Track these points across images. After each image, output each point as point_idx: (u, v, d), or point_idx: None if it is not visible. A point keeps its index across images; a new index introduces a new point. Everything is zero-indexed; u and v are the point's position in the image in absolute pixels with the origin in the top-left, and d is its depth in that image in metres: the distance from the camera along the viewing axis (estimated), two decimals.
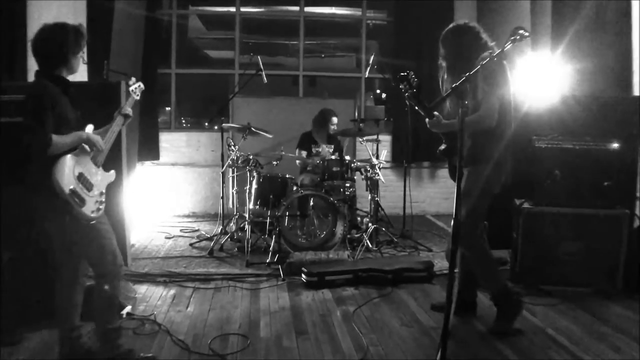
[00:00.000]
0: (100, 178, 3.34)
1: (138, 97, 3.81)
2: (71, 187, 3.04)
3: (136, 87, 3.81)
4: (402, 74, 3.06)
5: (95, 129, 3.36)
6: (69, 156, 3.09)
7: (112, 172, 3.49)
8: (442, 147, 4.10)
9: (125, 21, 7.50)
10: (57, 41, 3.22)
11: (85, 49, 3.40)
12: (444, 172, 9.28)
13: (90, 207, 3.16)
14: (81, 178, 3.15)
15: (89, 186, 3.19)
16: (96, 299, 3.42)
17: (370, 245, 6.28)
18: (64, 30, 3.27)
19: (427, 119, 3.90)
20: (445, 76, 4.10)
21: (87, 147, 3.22)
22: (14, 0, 5.44)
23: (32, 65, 3.45)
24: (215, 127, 8.97)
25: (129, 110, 3.60)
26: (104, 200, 3.32)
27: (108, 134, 3.41)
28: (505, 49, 3.02)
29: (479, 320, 4.34)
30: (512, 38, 3.12)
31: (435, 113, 3.82)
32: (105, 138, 3.37)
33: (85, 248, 3.32)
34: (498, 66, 3.72)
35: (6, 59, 5.27)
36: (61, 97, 3.18)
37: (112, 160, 4.26)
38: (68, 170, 3.05)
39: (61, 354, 3.41)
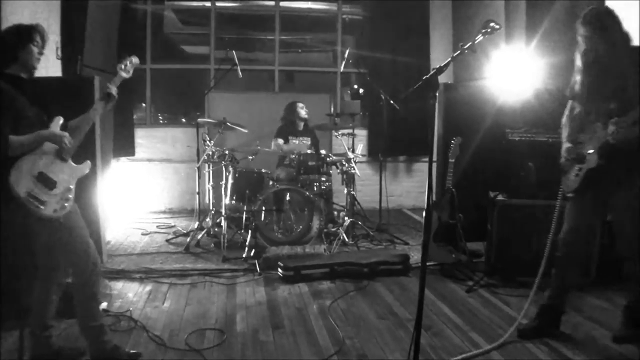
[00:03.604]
0: (69, 172, 3.23)
1: (129, 75, 3.57)
2: (27, 190, 2.99)
3: (127, 62, 3.56)
4: None
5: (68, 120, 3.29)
6: (26, 157, 3.03)
7: (86, 163, 3.36)
8: (592, 166, 3.63)
9: (99, 16, 7.41)
10: (2, 38, 3.17)
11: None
12: (419, 166, 9.35)
13: (52, 207, 3.08)
14: (41, 177, 3.07)
15: (50, 185, 3.09)
16: (76, 297, 3.39)
17: (346, 239, 6.30)
18: (12, 28, 3.21)
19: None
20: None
21: (52, 144, 3.15)
22: None
23: None
24: (192, 123, 8.92)
25: (113, 89, 3.42)
26: (70, 196, 3.21)
27: (80, 120, 3.34)
28: (476, 42, 3.04)
29: (457, 312, 4.38)
30: (484, 31, 3.13)
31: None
32: (75, 127, 3.30)
33: (57, 248, 3.28)
34: None
35: None
36: (17, 96, 3.09)
37: (86, 157, 4.25)
38: (25, 173, 3.00)
39: (32, 352, 3.39)
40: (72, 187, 3.24)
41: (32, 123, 3.11)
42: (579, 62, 3.74)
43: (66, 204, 3.16)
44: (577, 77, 3.77)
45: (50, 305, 3.44)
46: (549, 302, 3.94)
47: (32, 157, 3.06)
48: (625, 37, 3.60)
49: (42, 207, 3.03)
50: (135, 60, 3.62)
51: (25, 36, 3.17)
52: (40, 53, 3.25)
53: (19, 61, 3.16)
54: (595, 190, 3.66)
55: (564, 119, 3.92)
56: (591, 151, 3.59)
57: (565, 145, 3.81)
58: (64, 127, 3.26)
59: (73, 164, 3.29)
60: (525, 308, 4.01)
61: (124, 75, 3.54)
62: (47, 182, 3.08)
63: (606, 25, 3.55)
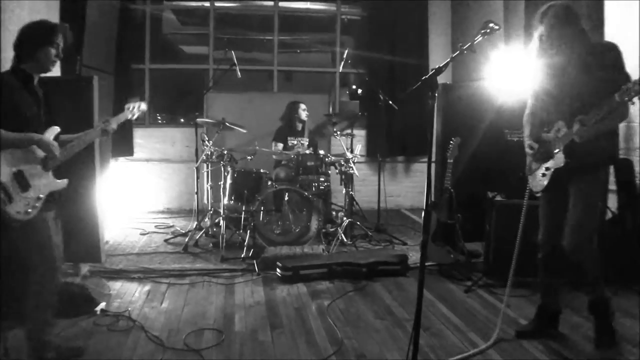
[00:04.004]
0: (45, 182, 3.22)
1: (133, 117, 3.84)
2: (2, 181, 2.97)
3: (135, 105, 3.78)
4: None
5: (66, 130, 3.29)
6: (13, 152, 3.03)
7: (64, 180, 3.35)
8: (560, 165, 3.59)
9: (98, 16, 7.41)
10: (23, 34, 3.17)
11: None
12: (418, 167, 9.34)
13: (17, 207, 3.03)
14: (19, 176, 3.06)
15: (24, 186, 3.08)
16: (28, 303, 3.32)
17: (345, 239, 6.30)
18: (36, 24, 3.23)
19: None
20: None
21: (38, 150, 3.15)
22: None
23: (7, 59, 3.39)
24: (191, 123, 8.92)
25: (113, 126, 3.58)
26: (37, 205, 3.14)
27: (76, 141, 3.36)
28: (476, 42, 3.04)
29: (455, 312, 4.38)
30: (483, 31, 3.13)
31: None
32: (69, 145, 3.32)
33: (9, 250, 3.22)
34: (621, 55, 3.46)
35: None
36: (19, 92, 3.11)
37: (85, 156, 4.25)
38: (6, 164, 2.99)
39: (28, 351, 3.37)
40: (42, 196, 3.19)
41: (29, 123, 3.11)
42: (537, 60, 3.72)
43: (30, 210, 3.11)
44: (536, 76, 3.77)
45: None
46: (542, 304, 3.95)
47: (18, 154, 3.06)
48: (583, 33, 3.58)
49: (8, 203, 2.99)
50: (143, 107, 3.85)
51: (45, 36, 3.19)
52: (58, 55, 3.24)
53: (34, 60, 3.17)
54: (564, 188, 3.65)
55: (525, 118, 3.92)
56: (557, 150, 3.58)
57: (528, 144, 3.81)
58: (57, 139, 3.24)
59: (52, 176, 3.28)
60: (504, 301, 4.03)
61: (129, 115, 3.75)
62: (22, 182, 3.07)
63: (563, 22, 3.52)
